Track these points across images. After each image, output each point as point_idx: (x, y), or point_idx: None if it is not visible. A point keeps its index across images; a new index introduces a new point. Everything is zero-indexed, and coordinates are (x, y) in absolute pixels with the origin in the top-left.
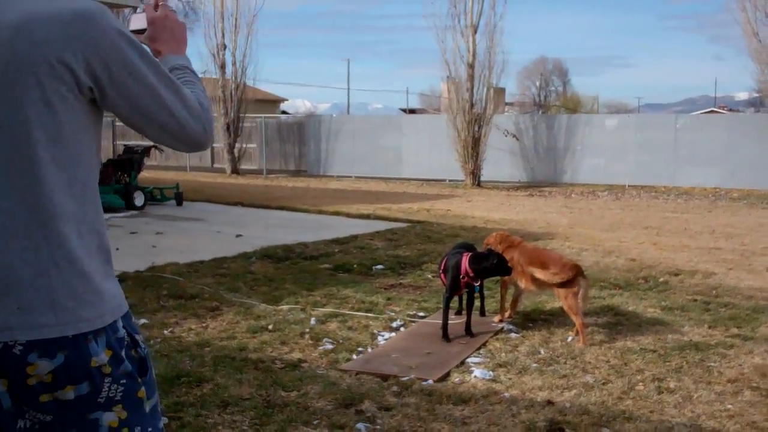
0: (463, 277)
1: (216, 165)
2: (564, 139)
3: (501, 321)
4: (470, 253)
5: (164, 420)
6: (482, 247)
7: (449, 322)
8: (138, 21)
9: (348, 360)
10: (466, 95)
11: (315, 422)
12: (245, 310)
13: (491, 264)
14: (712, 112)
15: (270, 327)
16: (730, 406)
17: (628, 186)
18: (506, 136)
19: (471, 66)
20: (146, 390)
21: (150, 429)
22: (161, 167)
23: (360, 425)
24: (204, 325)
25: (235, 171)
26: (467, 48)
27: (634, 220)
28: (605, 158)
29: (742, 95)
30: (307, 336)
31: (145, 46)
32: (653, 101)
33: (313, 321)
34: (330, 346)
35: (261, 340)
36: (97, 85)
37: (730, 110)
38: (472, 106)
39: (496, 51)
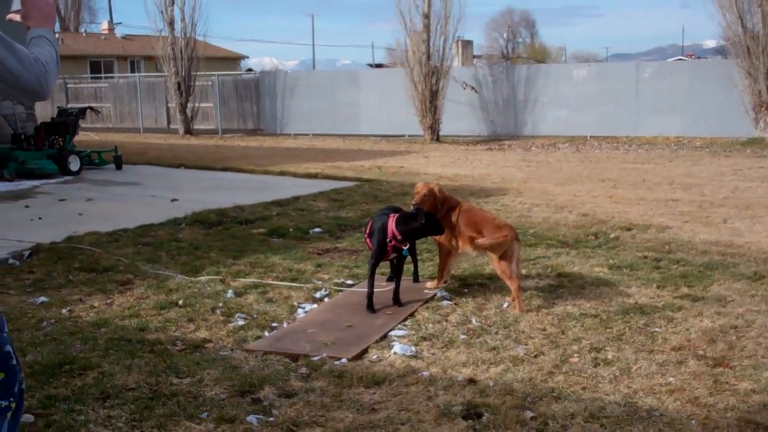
0: (390, 241)
1: (172, 126)
2: (524, 91)
3: (435, 287)
4: (397, 214)
5: (29, 418)
6: (412, 196)
7: (378, 290)
8: (16, 2)
9: (258, 338)
10: (422, 46)
11: (202, 415)
12: (159, 283)
13: (420, 224)
14: (680, 60)
15: (180, 302)
16: (671, 379)
17: (590, 137)
18: (464, 88)
19: (426, 16)
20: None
21: None
22: (115, 130)
23: (252, 418)
24: (109, 301)
25: (189, 131)
26: None
27: (591, 173)
28: (568, 109)
29: (710, 43)
30: (218, 311)
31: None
32: (622, 51)
33: (230, 293)
34: (242, 323)
35: (166, 317)
36: None
37: (698, 59)
38: (429, 57)
39: (453, 0)
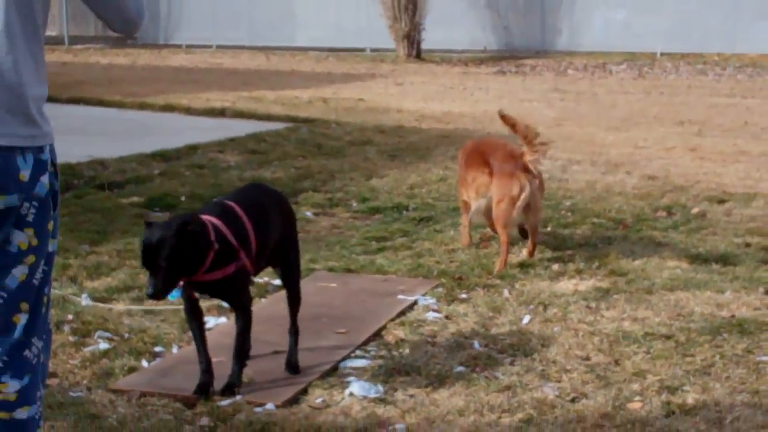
0: None
1: None
2: None
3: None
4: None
5: None
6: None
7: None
8: None
9: (132, 371)
10: None
11: None
12: None
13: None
14: None
15: None
16: None
17: (661, 55)
18: None
19: None
20: (55, 227)
21: (47, 269)
22: None
23: None
24: None
25: None
26: None
27: (663, 111)
28: (625, 10)
29: None
30: (67, 328)
31: None
32: None
33: (85, 299)
34: (105, 346)
35: None
36: None
37: None
38: None
39: None
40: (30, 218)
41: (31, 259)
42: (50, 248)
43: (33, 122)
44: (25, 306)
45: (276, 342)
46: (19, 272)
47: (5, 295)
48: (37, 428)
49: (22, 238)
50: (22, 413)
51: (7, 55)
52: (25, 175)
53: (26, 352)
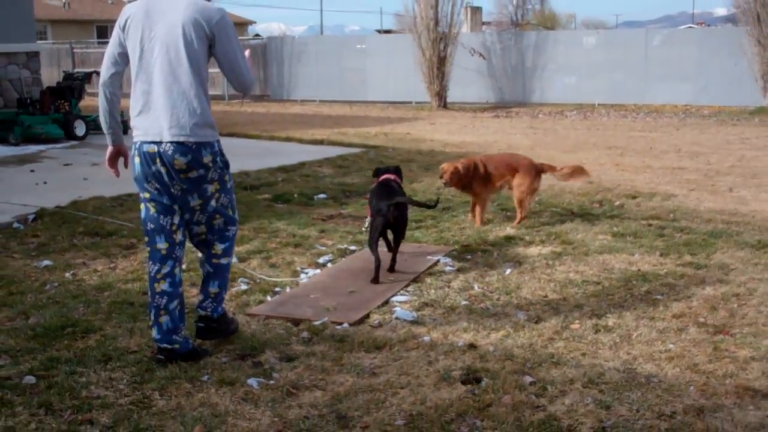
0: None
1: None
2: (533, 58)
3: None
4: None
5: (31, 379)
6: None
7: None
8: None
9: (260, 302)
10: (430, 12)
11: (202, 378)
12: None
13: None
14: (690, 28)
15: (184, 266)
16: (671, 345)
17: (598, 105)
18: (472, 55)
19: None
20: (228, 177)
21: (229, 197)
22: (124, 96)
23: (252, 381)
24: (112, 265)
25: None
26: None
27: (598, 140)
28: (576, 77)
29: (721, 11)
30: None
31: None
32: (632, 18)
33: (233, 258)
34: (244, 287)
35: None
36: (214, 38)
37: (708, 26)
38: (437, 23)
39: None
40: (215, 177)
41: (217, 195)
42: (228, 185)
43: (208, 129)
44: (218, 216)
45: (351, 285)
46: (213, 201)
47: (208, 214)
48: (228, 271)
49: (211, 187)
50: (224, 260)
51: (195, 97)
52: (207, 160)
53: (227, 232)
